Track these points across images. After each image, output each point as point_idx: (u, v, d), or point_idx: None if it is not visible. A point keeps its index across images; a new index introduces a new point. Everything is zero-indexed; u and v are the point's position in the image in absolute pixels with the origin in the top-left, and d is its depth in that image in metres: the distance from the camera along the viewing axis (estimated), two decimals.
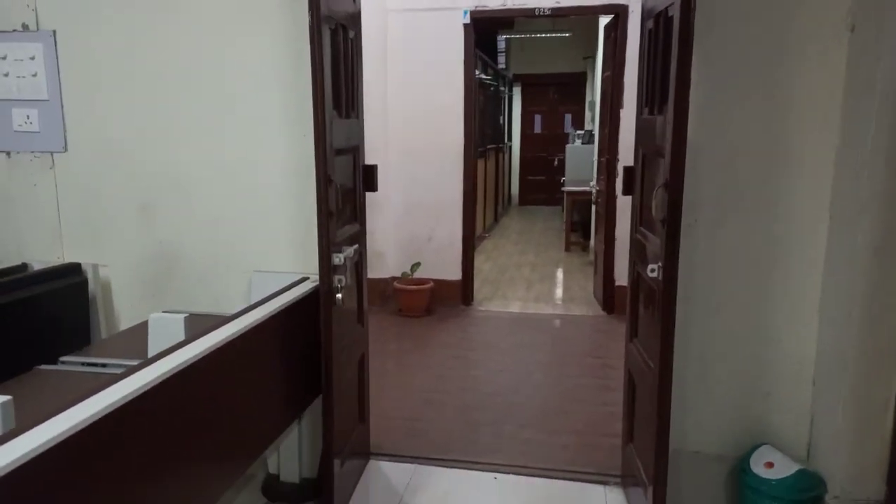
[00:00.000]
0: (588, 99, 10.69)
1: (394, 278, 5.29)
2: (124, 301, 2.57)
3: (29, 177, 2.55)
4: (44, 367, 1.91)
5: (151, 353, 1.73)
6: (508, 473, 2.74)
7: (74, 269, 2.41)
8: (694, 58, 1.84)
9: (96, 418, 1.23)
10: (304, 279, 2.31)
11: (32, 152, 2.53)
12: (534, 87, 12.09)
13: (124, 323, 2.54)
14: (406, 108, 5.22)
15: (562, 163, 8.91)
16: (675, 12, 1.86)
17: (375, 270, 5.35)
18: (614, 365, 3.95)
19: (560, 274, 6.75)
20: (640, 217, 2.39)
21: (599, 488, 2.63)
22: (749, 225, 2.20)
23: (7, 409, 1.25)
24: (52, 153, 2.51)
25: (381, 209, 5.26)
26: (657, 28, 2.16)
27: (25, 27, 2.45)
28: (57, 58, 2.43)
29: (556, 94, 12.11)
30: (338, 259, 2.08)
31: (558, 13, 5.00)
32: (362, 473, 2.70)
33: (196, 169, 2.45)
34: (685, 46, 1.83)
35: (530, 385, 3.74)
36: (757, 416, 2.30)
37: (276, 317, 1.95)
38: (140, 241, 2.52)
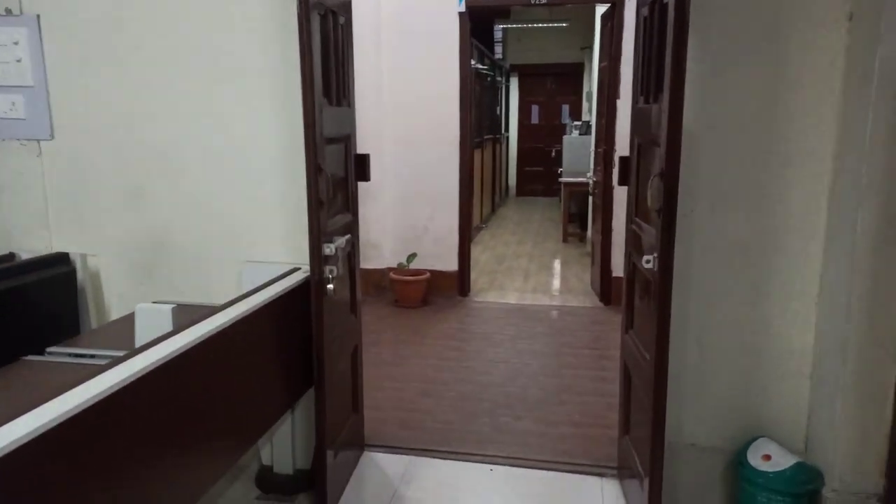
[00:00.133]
0: (585, 89, 10.64)
1: (390, 269, 5.26)
2: (114, 291, 2.54)
3: (15, 165, 2.51)
4: (30, 357, 1.88)
5: (139, 343, 1.70)
6: (504, 465, 2.72)
7: (62, 259, 2.38)
8: (689, 46, 1.80)
9: (79, 410, 1.20)
10: (295, 269, 2.28)
11: (18, 140, 2.49)
12: (531, 77, 12.03)
13: (114, 313, 2.51)
14: (402, 97, 5.18)
15: (559, 154, 8.88)
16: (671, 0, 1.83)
17: (371, 261, 5.32)
18: (611, 356, 3.93)
19: (557, 265, 6.73)
20: (636, 207, 2.36)
21: (596, 480, 2.61)
22: (746, 215, 2.17)
23: None
24: (38, 140, 2.47)
25: (377, 199, 5.23)
26: (652, 15, 2.13)
27: (9, 11, 2.41)
28: (41, 43, 2.39)
29: (554, 85, 12.04)
30: (329, 249, 2.05)
31: (554, 2, 4.98)
32: (356, 465, 2.69)
33: (186, 157, 2.41)
34: (680, 34, 1.79)
35: (527, 376, 3.72)
36: (754, 408, 2.28)
37: (266, 307, 1.92)
38: (129, 231, 2.48)
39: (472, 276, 5.60)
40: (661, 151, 1.87)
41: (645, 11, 2.21)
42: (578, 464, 2.72)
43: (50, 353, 1.89)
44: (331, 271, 2.07)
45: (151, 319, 1.72)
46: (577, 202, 8.08)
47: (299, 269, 2.28)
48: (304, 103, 1.97)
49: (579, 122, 8.75)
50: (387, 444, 2.85)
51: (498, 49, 10.99)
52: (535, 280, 6.01)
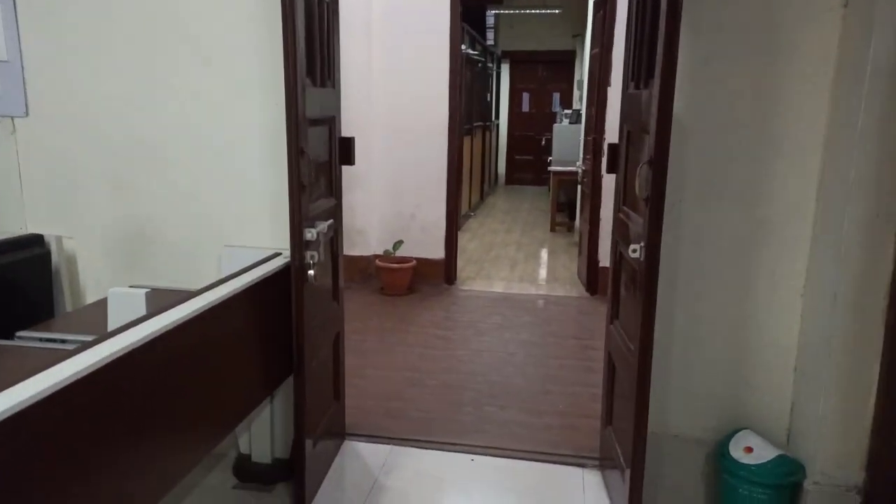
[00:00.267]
0: (577, 78, 10.58)
1: (376, 256, 5.21)
2: (91, 275, 2.48)
3: None
4: None
5: (111, 328, 1.64)
6: (486, 455, 2.70)
7: (36, 241, 2.32)
8: (682, 31, 1.76)
9: (42, 397, 1.16)
10: (276, 255, 2.23)
11: None
12: (522, 64, 11.94)
13: (90, 297, 2.45)
14: (390, 81, 5.11)
15: (549, 142, 8.83)
16: None
17: (358, 248, 5.28)
18: (596, 346, 3.92)
19: (545, 254, 6.71)
20: (624, 196, 2.33)
21: (577, 471, 2.60)
22: (734, 206, 2.14)
23: None
24: (12, 118, 2.39)
25: (364, 185, 5.17)
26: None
27: None
28: (16, 15, 2.30)
29: (545, 72, 11.98)
30: (310, 234, 2.01)
31: None
32: (337, 453, 2.65)
33: (166, 139, 2.35)
34: (673, 18, 1.75)
35: (512, 365, 3.71)
36: (738, 400, 2.27)
37: (244, 293, 1.88)
38: (107, 213, 2.42)
39: (459, 264, 5.57)
40: (651, 139, 1.83)
41: None
42: (561, 454, 2.70)
43: (19, 338, 1.83)
44: (312, 257, 2.02)
45: (124, 304, 1.67)
46: (566, 191, 8.05)
47: (280, 254, 2.23)
48: (286, 82, 1.91)
49: (570, 111, 8.70)
50: (368, 433, 2.82)
51: (490, 35, 10.89)
52: (523, 269, 5.99)
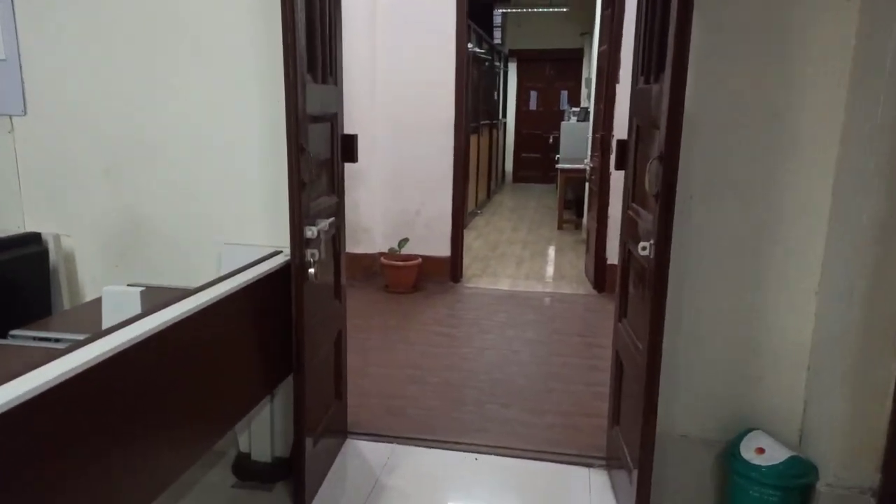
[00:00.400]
0: (584, 76, 10.52)
1: (381, 254, 5.18)
2: (89, 272, 2.45)
3: None
4: None
5: (105, 327, 1.61)
6: (490, 454, 2.66)
7: (34, 239, 2.29)
8: (693, 24, 1.71)
9: (33, 395, 1.13)
10: (276, 252, 2.19)
11: None
12: (530, 62, 11.89)
13: (89, 295, 2.43)
14: (396, 78, 5.06)
15: (557, 140, 8.78)
16: None
17: (362, 245, 5.25)
18: (603, 344, 3.87)
19: (552, 252, 6.65)
20: (633, 192, 2.28)
21: (583, 471, 2.56)
22: (746, 203, 2.09)
23: None
24: (10, 116, 2.37)
25: (369, 182, 5.13)
26: None
27: None
28: (14, 14, 2.27)
29: (553, 71, 11.91)
30: (310, 232, 1.97)
31: None
32: (339, 452, 2.62)
33: (165, 135, 2.32)
34: (685, 10, 1.70)
35: (516, 363, 3.66)
36: (748, 400, 2.22)
37: (243, 291, 1.84)
38: (106, 210, 2.39)
39: (465, 262, 5.53)
40: (661, 133, 1.78)
41: None
42: (566, 454, 2.66)
43: (12, 336, 1.80)
44: (312, 255, 1.98)
45: (119, 303, 1.64)
46: (573, 189, 8.00)
47: (281, 252, 2.19)
48: (285, 79, 1.88)
49: (577, 109, 8.65)
50: (371, 431, 2.79)
51: (497, 34, 10.84)
52: (529, 267, 5.94)
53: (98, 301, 2.00)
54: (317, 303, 2.17)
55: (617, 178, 4.61)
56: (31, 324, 1.94)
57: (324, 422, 2.37)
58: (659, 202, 1.81)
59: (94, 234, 2.41)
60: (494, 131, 10.02)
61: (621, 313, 2.37)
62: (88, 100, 2.34)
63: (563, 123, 8.38)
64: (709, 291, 2.18)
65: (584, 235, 6.39)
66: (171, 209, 2.35)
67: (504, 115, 11.54)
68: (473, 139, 7.53)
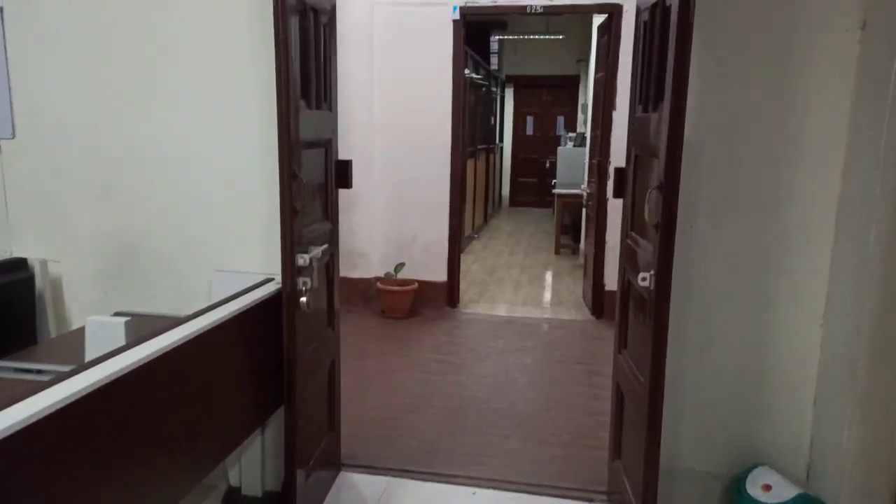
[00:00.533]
0: (581, 101, 10.57)
1: (377, 278, 5.12)
2: (78, 299, 2.39)
3: None
4: None
5: (89, 359, 1.55)
6: (488, 488, 2.59)
7: (20, 265, 2.24)
8: (692, 52, 1.69)
9: (10, 432, 1.08)
10: (268, 280, 2.15)
11: None
12: (526, 88, 11.96)
13: (76, 323, 2.37)
14: (393, 103, 5.06)
15: (553, 165, 8.78)
16: (674, 2, 1.72)
17: (359, 270, 5.20)
18: (602, 372, 3.81)
19: (549, 277, 6.61)
20: (632, 221, 2.25)
21: None
22: (749, 230, 2.06)
23: None
24: None
25: (366, 207, 5.10)
26: (653, 19, 2.02)
27: None
28: (3, 35, 2.25)
29: (549, 97, 11.98)
30: (302, 260, 1.92)
31: (551, 11, 4.86)
32: (332, 485, 2.54)
33: (156, 159, 2.28)
34: (684, 39, 1.69)
35: (515, 392, 3.59)
36: (754, 433, 2.16)
37: (233, 321, 1.79)
38: (95, 236, 2.34)
39: (462, 286, 5.48)
40: (661, 163, 1.75)
41: (646, 16, 2.10)
42: (566, 488, 2.58)
43: None
44: (304, 283, 1.94)
45: (103, 334, 1.58)
46: (570, 214, 7.98)
47: (272, 279, 2.14)
48: (278, 105, 1.85)
49: (574, 134, 8.67)
50: (365, 463, 2.71)
51: (494, 60, 10.91)
52: (527, 292, 5.89)
53: (81, 331, 1.94)
54: (309, 332, 2.11)
55: (614, 204, 4.59)
56: (13, 353, 1.88)
57: (316, 454, 2.30)
58: (659, 232, 1.77)
59: (83, 260, 2.36)
60: (491, 156, 10.03)
61: (621, 344, 2.32)
62: (79, 123, 2.31)
63: (560, 148, 8.40)
64: (711, 322, 2.13)
65: (581, 260, 6.35)
66: (162, 235, 2.31)
67: (501, 140, 11.58)
68: (470, 164, 7.52)
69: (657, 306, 1.78)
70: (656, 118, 1.91)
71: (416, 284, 5.01)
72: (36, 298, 2.27)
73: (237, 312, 1.81)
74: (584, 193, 5.80)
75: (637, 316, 2.12)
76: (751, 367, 2.14)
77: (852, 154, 1.94)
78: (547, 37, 10.32)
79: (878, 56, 1.81)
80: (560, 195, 7.69)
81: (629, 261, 2.22)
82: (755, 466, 2.11)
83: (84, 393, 1.24)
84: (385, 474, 2.64)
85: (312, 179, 2.10)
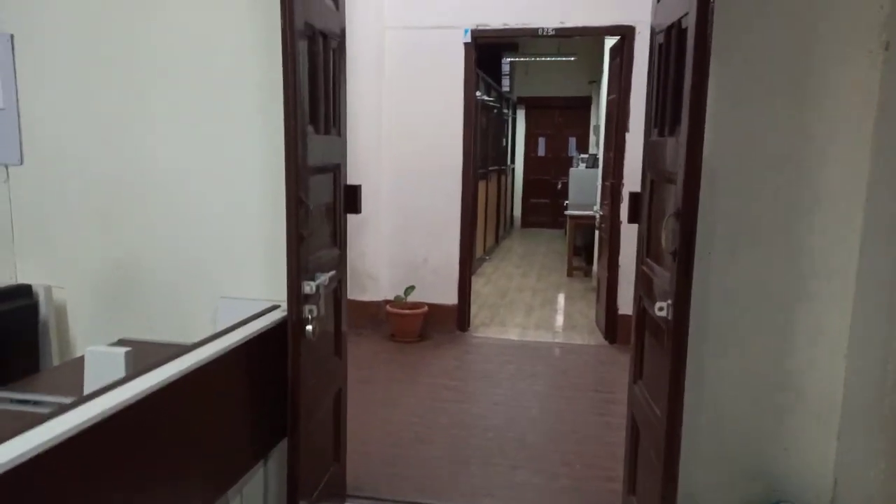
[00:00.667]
0: (593, 123, 10.56)
1: (387, 301, 5.07)
2: (83, 326, 2.36)
3: None
4: None
5: (87, 391, 1.51)
6: None
7: (24, 291, 2.21)
8: (710, 74, 1.65)
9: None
10: (274, 307, 2.10)
11: None
12: (538, 109, 11.97)
13: (80, 350, 2.32)
14: (403, 126, 5.05)
15: (565, 186, 8.74)
16: (690, 24, 1.68)
17: (369, 293, 5.15)
18: (616, 399, 3.72)
19: (561, 300, 6.53)
20: (647, 247, 2.19)
21: None
22: (769, 258, 1.99)
23: None
24: (6, 165, 2.32)
25: (376, 229, 5.07)
26: (669, 42, 1.98)
27: None
28: (14, 63, 2.25)
29: (561, 118, 11.99)
30: (309, 288, 1.88)
31: (562, 34, 4.84)
32: None
33: (162, 184, 2.25)
34: (701, 62, 1.64)
35: (526, 420, 3.51)
36: (774, 471, 2.07)
37: (236, 351, 1.74)
38: (100, 262, 2.31)
39: (473, 309, 5.42)
40: (678, 189, 1.70)
41: (661, 38, 2.07)
42: None
43: None
44: (311, 311, 1.89)
45: (103, 364, 1.54)
46: (582, 235, 7.91)
47: (278, 306, 2.10)
48: (285, 131, 1.82)
49: (586, 155, 8.64)
50: (371, 495, 2.64)
51: (505, 82, 10.95)
52: (538, 315, 5.81)
53: (81, 360, 1.90)
54: (315, 361, 2.06)
55: (628, 227, 4.53)
56: (14, 383, 1.84)
57: (321, 486, 2.23)
58: (676, 261, 1.71)
59: (88, 286, 2.32)
60: (503, 177, 10.02)
61: (637, 374, 2.25)
62: (85, 149, 2.29)
63: (572, 170, 8.37)
64: (730, 353, 2.06)
65: (594, 283, 6.27)
66: (167, 261, 2.27)
67: (513, 161, 11.57)
68: (482, 185, 7.50)
69: (675, 338, 1.72)
70: (673, 142, 1.86)
71: (426, 308, 4.96)
72: (39, 325, 2.23)
73: (241, 342, 1.77)
74: (597, 216, 5.74)
75: (653, 346, 2.05)
76: (771, 399, 2.06)
77: (875, 179, 1.87)
78: (559, 58, 10.34)
79: None
80: (572, 217, 7.63)
81: (645, 288, 2.16)
82: (777, 503, 2.02)
83: (80, 429, 1.20)
84: None
85: (320, 205, 2.07)
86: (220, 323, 2.08)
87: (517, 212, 12.18)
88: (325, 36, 2.08)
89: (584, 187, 7.69)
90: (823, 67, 1.88)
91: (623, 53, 4.72)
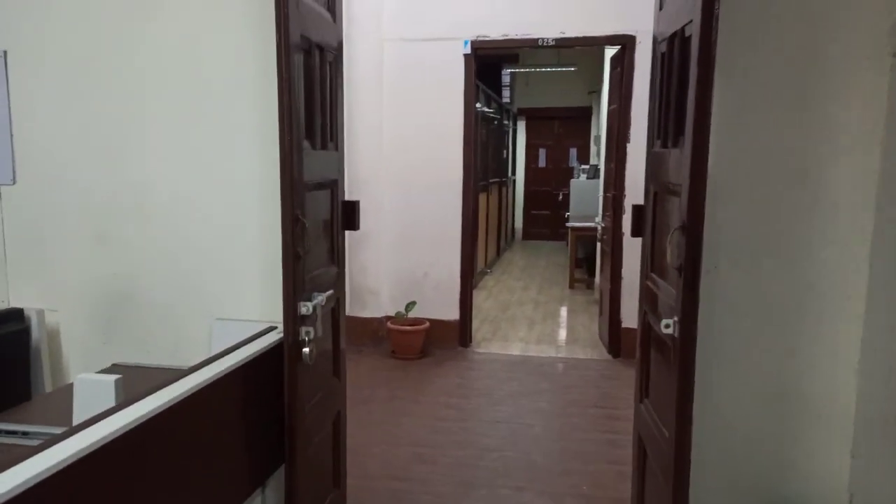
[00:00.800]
0: (593, 133, 10.54)
1: (388, 317, 5.02)
2: (76, 350, 2.31)
3: None
4: None
5: (76, 420, 1.46)
6: None
7: (16, 315, 2.16)
8: (714, 83, 1.61)
9: None
10: (271, 329, 2.05)
11: None
12: (539, 120, 11.97)
13: (74, 375, 2.27)
14: (403, 139, 5.02)
15: (566, 197, 8.71)
16: (694, 32, 1.64)
17: (369, 309, 5.10)
18: (621, 416, 3.65)
19: (564, 313, 6.47)
20: (651, 261, 2.14)
21: None
22: (777, 271, 1.93)
23: None
24: None
25: (376, 244, 5.03)
26: (672, 51, 1.94)
27: None
28: (7, 81, 2.22)
29: (562, 129, 11.98)
30: (305, 308, 1.83)
31: (563, 44, 4.83)
32: None
33: (156, 203, 2.21)
34: (705, 70, 1.60)
35: (530, 439, 3.44)
36: (787, 488, 2.01)
37: (232, 375, 1.69)
38: (93, 284, 2.26)
39: (475, 324, 5.36)
40: (683, 202, 1.65)
41: (663, 47, 2.03)
42: None
43: None
44: (308, 333, 1.84)
45: (93, 392, 1.49)
46: (584, 247, 7.87)
47: (275, 328, 2.05)
48: (280, 147, 1.78)
49: (587, 166, 8.61)
50: None
51: (505, 93, 10.95)
52: (541, 329, 5.75)
53: (70, 387, 1.85)
54: (313, 383, 2.01)
55: (630, 239, 4.48)
56: (4, 412, 1.79)
57: None
58: (682, 276, 1.66)
59: (81, 308, 2.28)
60: (504, 189, 9.99)
61: (642, 393, 2.19)
62: (79, 168, 2.25)
63: (573, 181, 8.34)
64: (738, 369, 2.00)
65: (596, 296, 6.21)
66: (161, 282, 2.23)
67: (513, 173, 11.54)
68: (483, 197, 7.46)
69: (682, 356, 1.66)
70: (676, 154, 1.81)
71: (428, 324, 4.90)
72: (31, 350, 2.19)
73: (236, 366, 1.72)
74: (599, 227, 5.70)
75: (659, 363, 1.99)
76: (782, 417, 1.99)
77: (885, 190, 1.82)
78: (559, 69, 10.35)
79: None
80: (574, 228, 7.59)
81: (650, 304, 2.11)
82: None
83: (68, 462, 1.15)
84: None
85: (317, 222, 2.03)
86: (215, 345, 2.03)
87: (518, 224, 12.14)
88: (321, 49, 2.05)
89: (585, 198, 7.66)
90: (830, 76, 1.83)
91: (623, 63, 4.70)
